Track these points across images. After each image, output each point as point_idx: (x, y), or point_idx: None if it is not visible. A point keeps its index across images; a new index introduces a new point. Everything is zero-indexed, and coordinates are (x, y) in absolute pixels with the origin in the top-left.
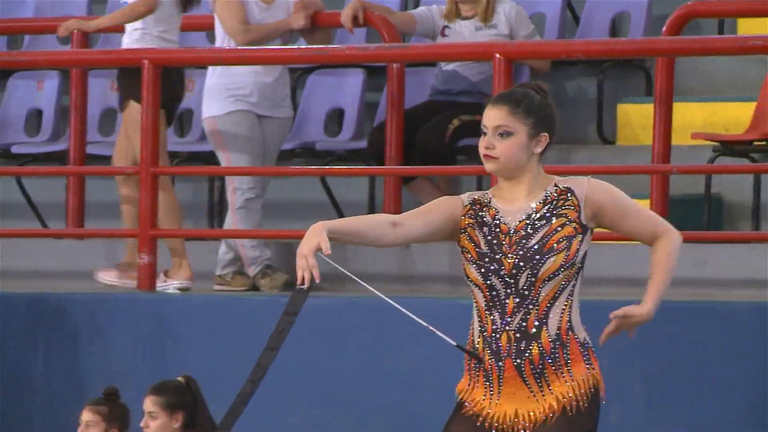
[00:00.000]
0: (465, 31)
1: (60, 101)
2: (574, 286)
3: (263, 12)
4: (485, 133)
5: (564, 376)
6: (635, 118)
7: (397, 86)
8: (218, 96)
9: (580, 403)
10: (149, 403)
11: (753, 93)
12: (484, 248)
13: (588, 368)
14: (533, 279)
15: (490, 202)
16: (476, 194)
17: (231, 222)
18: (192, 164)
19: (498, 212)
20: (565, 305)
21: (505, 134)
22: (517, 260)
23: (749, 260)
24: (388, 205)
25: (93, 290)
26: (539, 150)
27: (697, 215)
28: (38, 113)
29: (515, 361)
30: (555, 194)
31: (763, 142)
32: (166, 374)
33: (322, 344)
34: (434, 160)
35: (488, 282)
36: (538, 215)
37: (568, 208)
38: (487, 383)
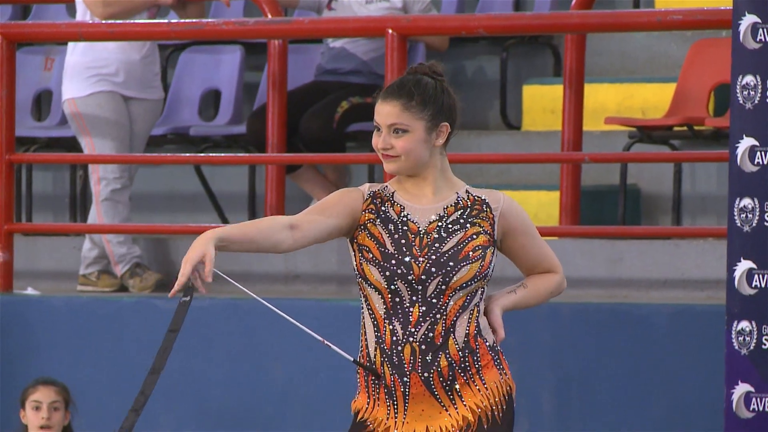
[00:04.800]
0: (354, 5)
1: None
2: (482, 293)
3: None
4: (379, 130)
5: (476, 385)
6: (542, 101)
7: (279, 65)
8: (80, 75)
9: (496, 413)
10: (52, 393)
11: (672, 73)
12: (391, 248)
13: (500, 373)
14: (444, 287)
15: (393, 197)
16: (376, 186)
17: (95, 215)
18: (51, 151)
19: (404, 209)
20: (473, 312)
21: (401, 131)
22: (428, 265)
23: (669, 258)
24: (270, 197)
25: None
26: (441, 141)
27: (612, 208)
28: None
29: (422, 375)
30: (468, 201)
31: (684, 128)
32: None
33: (193, 350)
34: (321, 147)
35: (392, 287)
36: (450, 219)
37: (482, 219)
38: (390, 401)
